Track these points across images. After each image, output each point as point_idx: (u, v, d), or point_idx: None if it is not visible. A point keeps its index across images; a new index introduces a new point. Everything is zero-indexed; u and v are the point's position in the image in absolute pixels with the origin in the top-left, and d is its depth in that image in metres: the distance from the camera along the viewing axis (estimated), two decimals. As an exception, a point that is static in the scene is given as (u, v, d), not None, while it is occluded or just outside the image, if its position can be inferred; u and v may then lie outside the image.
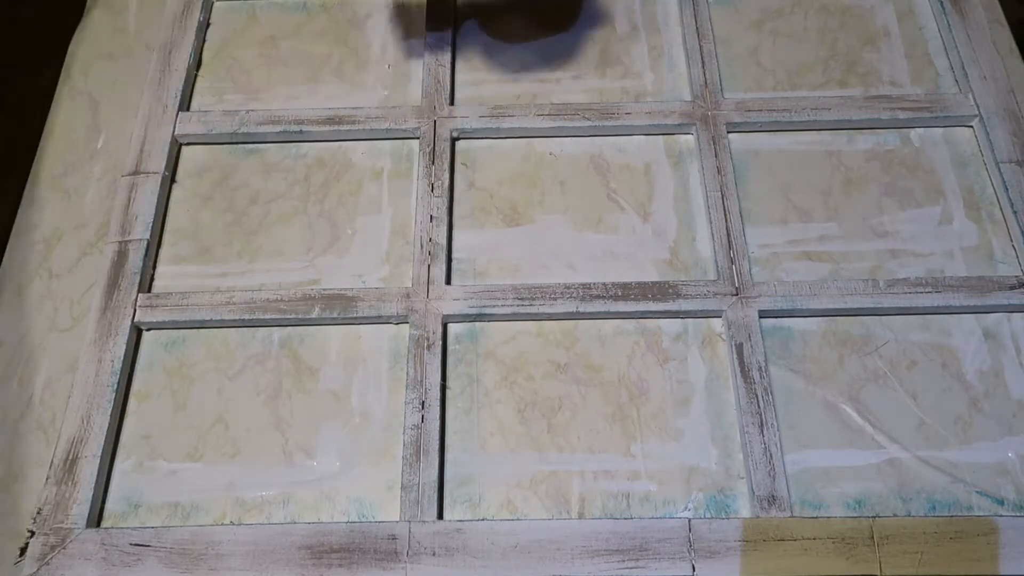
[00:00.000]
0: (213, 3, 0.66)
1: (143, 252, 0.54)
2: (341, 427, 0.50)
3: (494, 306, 0.52)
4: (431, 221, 0.55)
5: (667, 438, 0.49)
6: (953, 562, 0.44)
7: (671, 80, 0.62)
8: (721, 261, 0.53)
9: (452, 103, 0.60)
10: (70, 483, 0.47)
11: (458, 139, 0.59)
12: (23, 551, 0.45)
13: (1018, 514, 0.46)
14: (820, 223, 0.55)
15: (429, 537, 0.45)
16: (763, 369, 0.49)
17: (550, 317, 0.52)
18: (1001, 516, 0.45)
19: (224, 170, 0.59)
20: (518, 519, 0.46)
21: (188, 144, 0.60)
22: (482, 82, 0.62)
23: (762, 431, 0.48)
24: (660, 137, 0.59)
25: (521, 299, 0.52)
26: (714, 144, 0.57)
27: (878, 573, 0.44)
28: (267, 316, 0.52)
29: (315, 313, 0.52)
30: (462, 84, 0.62)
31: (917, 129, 0.59)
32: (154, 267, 0.55)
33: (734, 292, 0.52)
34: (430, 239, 0.54)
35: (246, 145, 0.60)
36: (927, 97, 0.59)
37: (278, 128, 0.59)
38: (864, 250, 0.54)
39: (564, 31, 0.63)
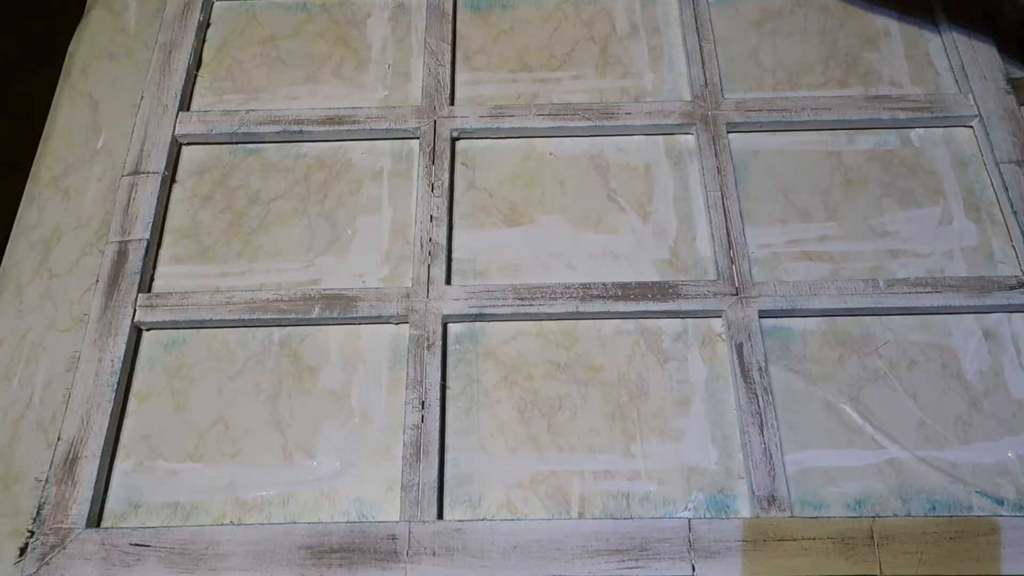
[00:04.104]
0: (213, 3, 0.66)
1: (143, 252, 0.54)
2: (341, 427, 0.50)
3: (494, 306, 0.52)
4: (431, 221, 0.55)
5: (667, 438, 0.49)
6: (953, 562, 0.44)
7: (671, 80, 0.62)
8: (721, 261, 0.53)
9: (452, 103, 0.60)
10: (70, 483, 0.47)
11: (458, 139, 0.59)
12: (23, 551, 0.45)
13: (1018, 514, 0.46)
14: (820, 223, 0.55)
15: (429, 537, 0.45)
16: (763, 369, 0.49)
17: (550, 317, 0.52)
18: (1001, 516, 0.45)
19: (224, 170, 0.59)
20: (518, 519, 0.46)
21: (188, 144, 0.60)
22: (482, 82, 0.62)
23: (762, 431, 0.47)
24: (660, 137, 0.59)
25: (521, 299, 0.52)
26: (714, 144, 0.57)
27: (878, 573, 0.44)
28: (267, 316, 0.52)
29: (315, 313, 0.52)
30: (462, 84, 0.62)
31: (917, 129, 0.59)
32: (154, 267, 0.55)
33: (734, 292, 0.52)
34: (430, 239, 0.54)
35: (246, 145, 0.60)
36: (927, 97, 0.59)
37: (278, 128, 0.59)
38: (864, 250, 0.54)
39: None
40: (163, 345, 0.52)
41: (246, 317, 0.52)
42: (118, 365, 0.50)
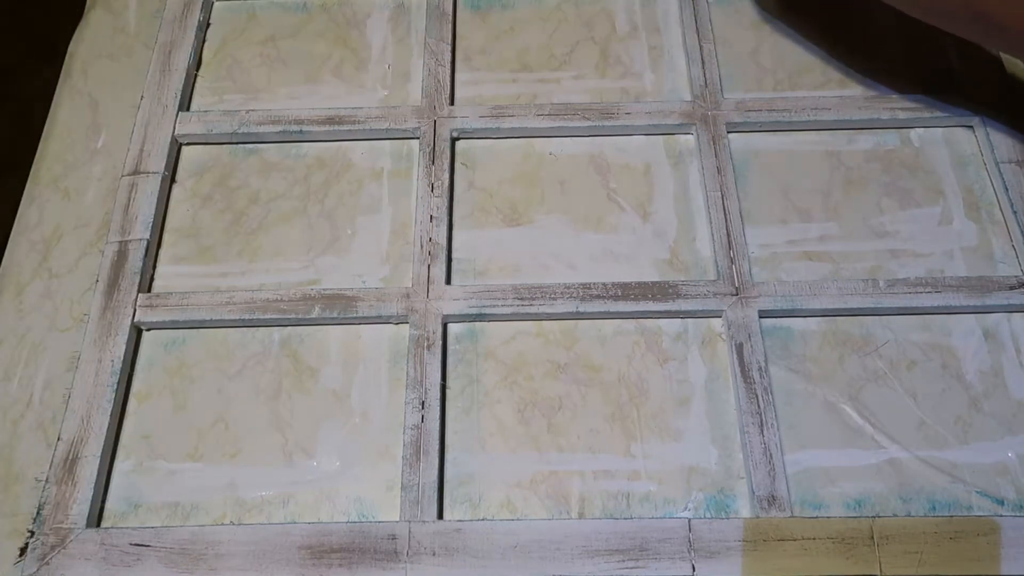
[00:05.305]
0: (213, 3, 0.66)
1: (143, 252, 0.54)
2: (341, 427, 0.50)
3: (494, 306, 0.52)
4: (431, 221, 0.55)
5: (667, 438, 0.49)
6: (953, 562, 0.44)
7: (671, 80, 0.62)
8: (721, 261, 0.53)
9: (452, 103, 0.60)
10: (70, 483, 0.47)
11: (458, 139, 0.59)
12: (23, 551, 0.45)
13: (1018, 514, 0.46)
14: (820, 223, 0.55)
15: (429, 537, 0.45)
16: (763, 369, 0.49)
17: (550, 317, 0.52)
18: (1001, 516, 0.45)
19: (224, 170, 0.59)
20: (518, 519, 0.46)
21: (188, 144, 0.60)
22: (482, 82, 0.62)
23: (762, 431, 0.48)
24: (660, 137, 0.59)
25: (521, 299, 0.52)
26: (714, 144, 0.57)
27: (878, 573, 0.44)
28: (267, 316, 0.52)
29: (315, 313, 0.52)
30: (462, 84, 0.62)
31: (917, 129, 0.59)
32: (154, 267, 0.55)
33: (734, 292, 0.52)
34: (430, 239, 0.54)
35: (246, 145, 0.60)
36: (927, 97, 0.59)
37: (278, 128, 0.59)
38: (864, 250, 0.54)
39: None
40: (163, 345, 0.52)
41: (246, 317, 0.52)
42: (118, 365, 0.50)
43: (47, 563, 0.45)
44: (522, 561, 0.44)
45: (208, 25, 0.65)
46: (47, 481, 0.47)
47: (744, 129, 0.59)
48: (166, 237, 0.56)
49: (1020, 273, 0.53)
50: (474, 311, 0.52)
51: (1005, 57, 0.60)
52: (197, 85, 0.63)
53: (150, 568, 0.45)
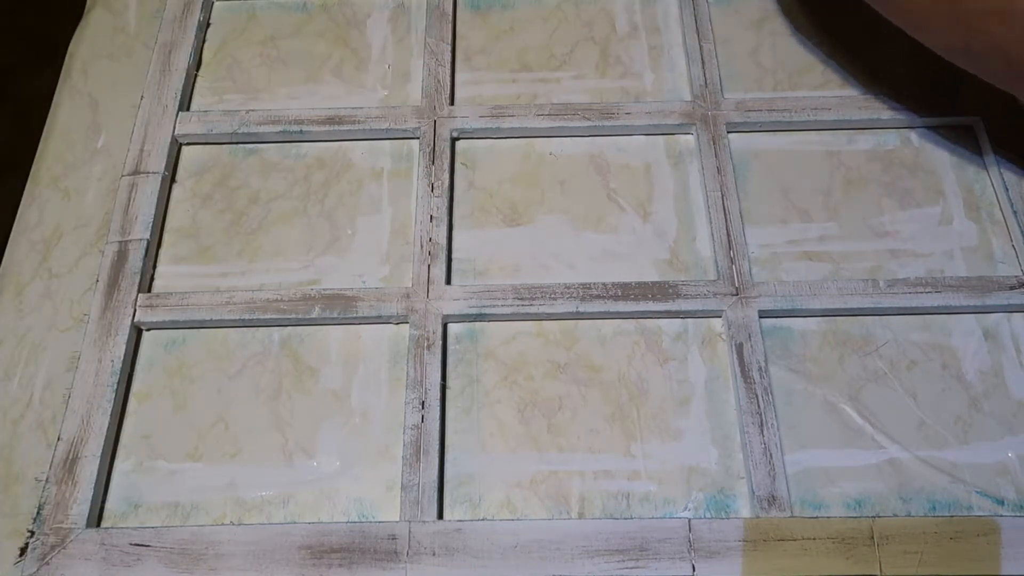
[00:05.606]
0: (213, 3, 0.66)
1: (143, 252, 0.54)
2: (341, 427, 0.50)
3: (494, 306, 0.52)
4: (431, 221, 0.55)
5: (667, 438, 0.49)
6: (953, 562, 0.44)
7: (671, 80, 0.62)
8: (721, 261, 0.53)
9: (452, 103, 0.60)
10: (70, 483, 0.47)
11: (458, 139, 0.59)
12: (23, 551, 0.45)
13: (1018, 514, 0.46)
14: (820, 223, 0.55)
15: (429, 537, 0.45)
16: (763, 369, 0.49)
17: (550, 317, 0.52)
18: (1001, 516, 0.45)
19: (224, 170, 0.59)
20: (518, 519, 0.46)
21: (188, 144, 0.60)
22: (482, 82, 0.62)
23: (762, 431, 0.48)
24: (660, 137, 0.59)
25: (521, 299, 0.52)
26: (714, 144, 0.57)
27: (878, 573, 0.44)
28: (267, 316, 0.52)
29: (315, 313, 0.52)
30: (462, 84, 0.62)
31: (917, 129, 0.59)
32: (154, 267, 0.55)
33: (734, 292, 0.52)
34: (430, 239, 0.54)
35: (246, 145, 0.60)
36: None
37: (278, 128, 0.59)
38: (864, 250, 0.54)
39: None
40: (163, 345, 0.52)
41: (246, 317, 0.52)
42: (118, 365, 0.50)
43: (47, 563, 0.45)
44: (522, 561, 0.44)
45: (208, 25, 0.65)
46: (47, 481, 0.47)
47: (744, 129, 0.59)
48: (166, 237, 0.56)
49: (1020, 273, 0.53)
50: (474, 311, 0.52)
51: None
52: (197, 85, 0.63)
53: (150, 568, 0.45)
